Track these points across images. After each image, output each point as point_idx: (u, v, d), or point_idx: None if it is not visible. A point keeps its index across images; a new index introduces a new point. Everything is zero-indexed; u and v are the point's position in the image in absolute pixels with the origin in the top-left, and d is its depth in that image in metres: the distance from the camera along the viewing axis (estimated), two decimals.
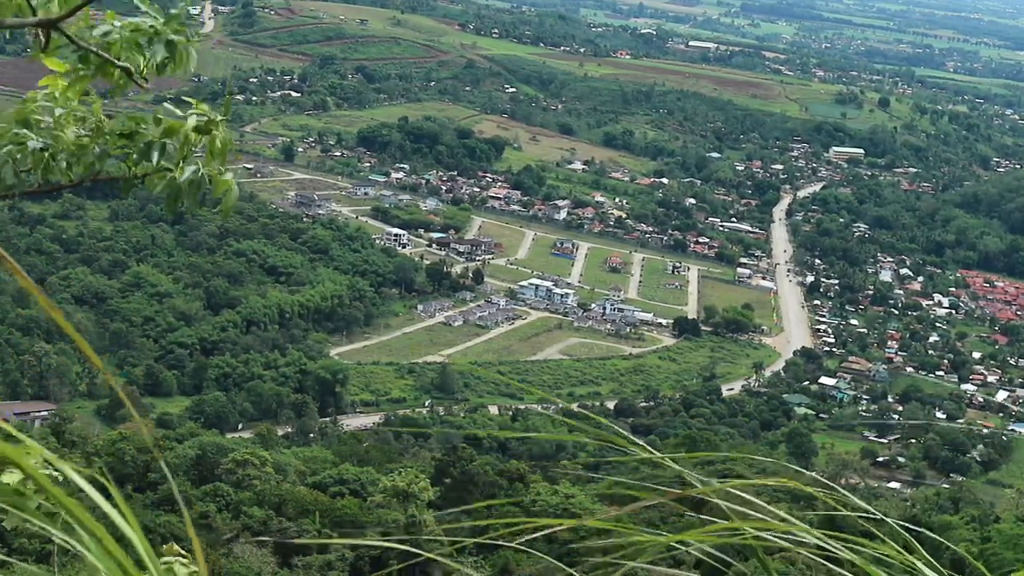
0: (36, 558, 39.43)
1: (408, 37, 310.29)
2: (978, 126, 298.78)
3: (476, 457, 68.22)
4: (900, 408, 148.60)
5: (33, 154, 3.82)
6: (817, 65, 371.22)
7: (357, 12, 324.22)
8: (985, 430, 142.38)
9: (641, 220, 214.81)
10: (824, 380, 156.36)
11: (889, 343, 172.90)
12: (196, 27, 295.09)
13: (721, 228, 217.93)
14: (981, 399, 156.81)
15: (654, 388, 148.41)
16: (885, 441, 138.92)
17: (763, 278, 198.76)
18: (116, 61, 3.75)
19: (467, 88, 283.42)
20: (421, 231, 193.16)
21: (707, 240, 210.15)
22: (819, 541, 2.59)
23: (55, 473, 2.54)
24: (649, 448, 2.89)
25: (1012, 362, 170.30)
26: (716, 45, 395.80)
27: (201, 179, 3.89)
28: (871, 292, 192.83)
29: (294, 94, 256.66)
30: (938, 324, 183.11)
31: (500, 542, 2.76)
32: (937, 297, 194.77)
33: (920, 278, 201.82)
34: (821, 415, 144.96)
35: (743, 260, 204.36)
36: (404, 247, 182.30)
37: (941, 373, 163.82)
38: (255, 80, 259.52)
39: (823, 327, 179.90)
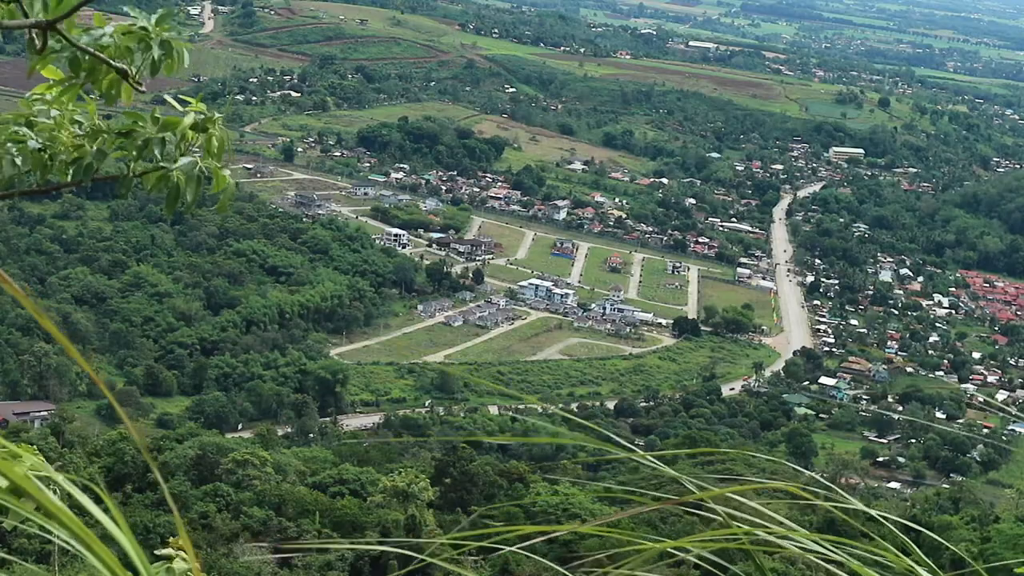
0: (36, 558, 39.44)
1: (408, 37, 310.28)
2: (978, 126, 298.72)
3: (476, 457, 68.27)
4: (900, 408, 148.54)
5: (32, 154, 3.82)
6: (817, 65, 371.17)
7: (357, 12, 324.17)
8: (985, 430, 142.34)
9: (641, 220, 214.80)
10: (824, 380, 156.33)
11: (889, 343, 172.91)
12: (196, 27, 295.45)
13: (721, 228, 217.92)
14: (981, 399, 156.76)
15: (654, 388, 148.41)
16: (885, 441, 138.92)
17: (763, 278, 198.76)
18: (112, 63, 3.75)
19: (467, 88, 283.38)
20: (421, 231, 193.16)
21: (707, 240, 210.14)
22: (816, 545, 2.59)
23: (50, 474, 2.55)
24: (642, 453, 2.96)
25: (1012, 362, 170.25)
26: (716, 45, 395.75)
27: (200, 174, 3.89)
28: (871, 292, 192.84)
29: (294, 94, 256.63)
30: (938, 324, 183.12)
31: (501, 546, 2.78)
32: (937, 297, 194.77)
33: (920, 278, 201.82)
34: (821, 415, 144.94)
35: (743, 260, 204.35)
36: (404, 247, 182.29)
37: (941, 373, 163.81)
38: (255, 80, 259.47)
39: (823, 327, 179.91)
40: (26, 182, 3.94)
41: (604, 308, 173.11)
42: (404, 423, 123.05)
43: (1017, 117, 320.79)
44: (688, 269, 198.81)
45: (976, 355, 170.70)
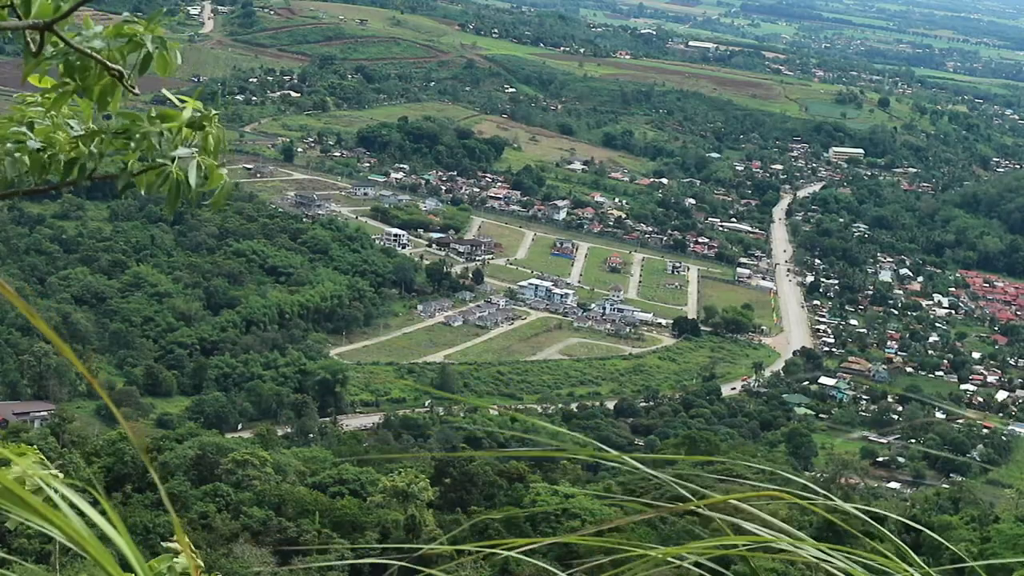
0: (36, 558, 39.44)
1: (408, 37, 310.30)
2: (978, 126, 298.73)
3: (476, 458, 68.22)
4: (900, 408, 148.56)
5: (31, 154, 3.82)
6: (817, 65, 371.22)
7: (357, 12, 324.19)
8: (985, 430, 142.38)
9: (641, 220, 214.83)
10: (824, 380, 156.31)
11: (889, 343, 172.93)
12: (195, 27, 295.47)
13: (721, 228, 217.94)
14: (981, 399, 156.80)
15: (654, 388, 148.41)
16: (885, 441, 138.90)
17: (763, 278, 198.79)
18: (109, 64, 3.74)
19: (467, 88, 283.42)
20: (421, 231, 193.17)
21: (707, 240, 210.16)
22: (812, 551, 2.60)
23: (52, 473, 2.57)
24: (633, 462, 2.97)
25: (1012, 362, 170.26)
26: (716, 45, 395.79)
27: (198, 167, 3.88)
28: (871, 292, 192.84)
29: (294, 94, 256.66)
30: (938, 324, 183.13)
31: (503, 551, 2.78)
32: (937, 297, 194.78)
33: (920, 278, 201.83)
34: (821, 415, 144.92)
35: (743, 260, 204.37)
36: (404, 247, 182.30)
37: (941, 373, 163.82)
38: (255, 80, 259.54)
39: (823, 327, 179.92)
40: (25, 182, 3.94)
41: (604, 308, 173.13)
42: (404, 423, 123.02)
43: (1017, 117, 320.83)
44: (688, 269, 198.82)
45: (976, 355, 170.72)
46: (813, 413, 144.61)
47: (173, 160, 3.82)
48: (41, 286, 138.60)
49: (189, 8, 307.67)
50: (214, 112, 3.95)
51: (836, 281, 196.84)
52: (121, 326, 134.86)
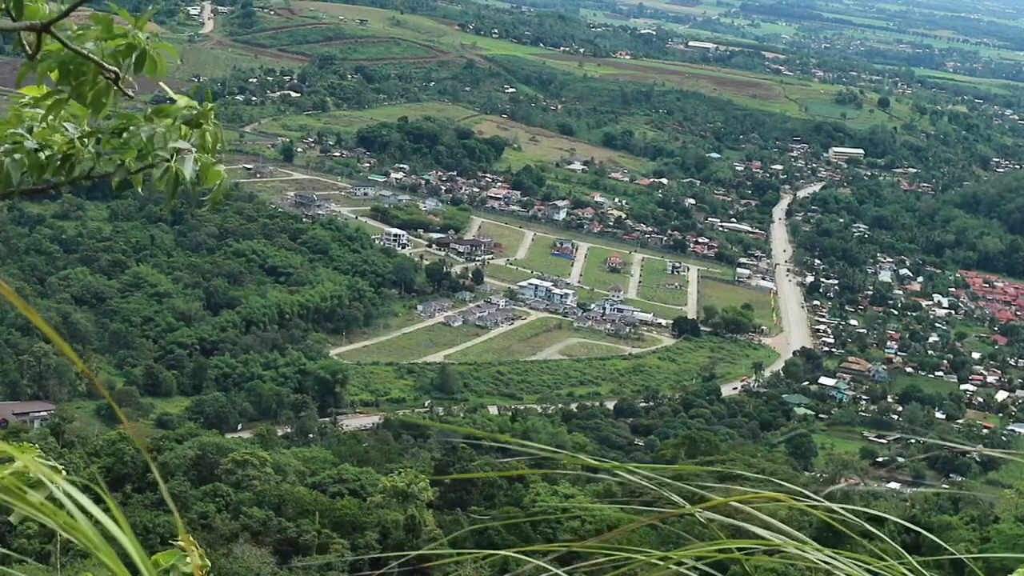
0: (35, 558, 39.42)
1: (408, 37, 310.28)
2: (978, 126, 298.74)
3: (476, 457, 68.26)
4: (900, 408, 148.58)
5: (28, 155, 3.81)
6: (817, 65, 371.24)
7: (357, 12, 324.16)
8: (985, 430, 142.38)
9: (641, 220, 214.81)
10: (824, 380, 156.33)
11: (889, 343, 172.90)
12: (195, 27, 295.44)
13: (721, 228, 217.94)
14: (981, 399, 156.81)
15: (654, 388, 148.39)
16: (885, 441, 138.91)
17: (763, 278, 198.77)
18: (105, 65, 3.73)
19: (467, 88, 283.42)
20: (421, 231, 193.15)
21: (707, 240, 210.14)
22: (809, 554, 2.61)
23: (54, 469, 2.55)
24: (624, 473, 2.98)
25: (1012, 362, 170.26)
26: (716, 45, 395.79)
27: (193, 161, 3.88)
28: (871, 292, 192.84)
29: (294, 94, 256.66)
30: (938, 324, 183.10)
31: (502, 552, 2.80)
32: (937, 297, 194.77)
33: (920, 278, 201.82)
34: (820, 415, 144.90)
35: (743, 260, 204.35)
36: (404, 247, 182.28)
37: (940, 373, 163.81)
38: (255, 80, 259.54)
39: (823, 327, 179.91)
40: (25, 182, 3.94)
41: (604, 308, 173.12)
42: (403, 423, 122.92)
43: (1017, 117, 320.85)
44: (688, 269, 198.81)
45: (976, 355, 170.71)
46: (813, 413, 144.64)
47: (172, 155, 3.83)
48: (41, 286, 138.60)
49: (189, 8, 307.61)
50: (210, 106, 3.95)
51: (836, 281, 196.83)
52: (121, 326, 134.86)
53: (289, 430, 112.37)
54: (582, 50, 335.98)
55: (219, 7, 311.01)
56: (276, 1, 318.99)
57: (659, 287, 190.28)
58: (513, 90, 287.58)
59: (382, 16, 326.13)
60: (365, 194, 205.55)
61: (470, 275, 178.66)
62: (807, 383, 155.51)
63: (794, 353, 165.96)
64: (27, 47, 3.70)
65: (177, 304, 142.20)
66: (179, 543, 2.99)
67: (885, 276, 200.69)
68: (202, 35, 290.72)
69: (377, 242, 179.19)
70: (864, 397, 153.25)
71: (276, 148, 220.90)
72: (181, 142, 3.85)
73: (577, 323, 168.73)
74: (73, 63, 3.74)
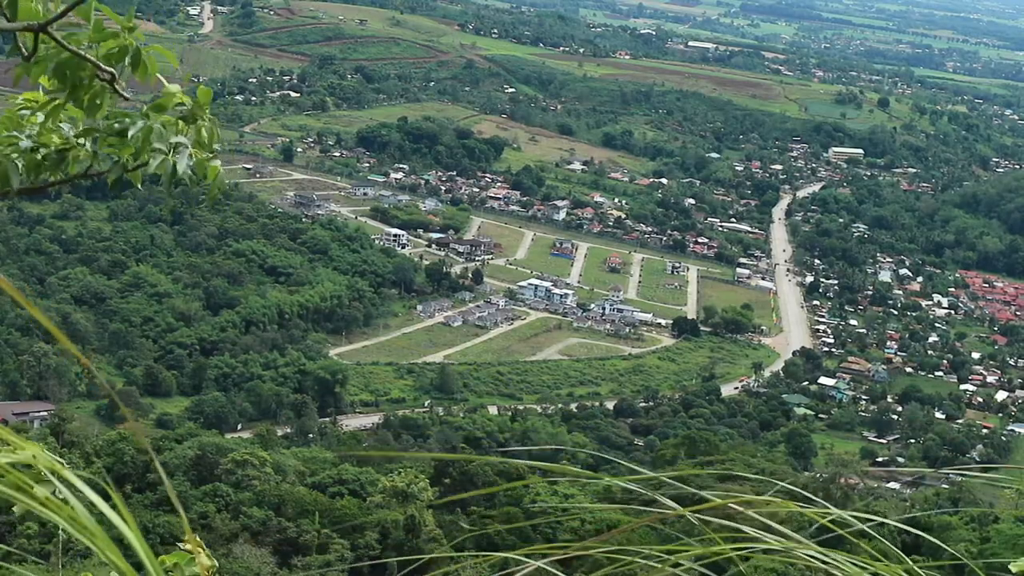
0: (33, 560, 39.36)
1: (407, 37, 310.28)
2: (977, 126, 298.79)
3: (476, 457, 68.23)
4: (899, 408, 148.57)
5: (24, 154, 3.81)
6: (817, 65, 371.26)
7: (356, 12, 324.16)
8: (985, 430, 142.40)
9: (640, 220, 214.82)
10: (823, 380, 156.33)
11: (888, 343, 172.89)
12: (195, 27, 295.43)
13: (720, 228, 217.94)
14: (980, 399, 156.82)
15: (653, 388, 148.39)
16: (884, 441, 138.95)
17: (762, 278, 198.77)
18: (101, 66, 3.73)
19: (466, 88, 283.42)
20: (420, 231, 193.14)
21: (706, 240, 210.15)
22: (807, 555, 2.62)
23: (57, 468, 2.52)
24: (619, 481, 2.99)
25: (1011, 362, 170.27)
26: (715, 45, 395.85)
27: (189, 156, 3.87)
28: (870, 292, 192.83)
29: (293, 94, 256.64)
30: (937, 324, 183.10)
31: (503, 553, 2.69)
32: (936, 297, 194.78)
33: (919, 278, 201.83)
34: (820, 415, 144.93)
35: (742, 260, 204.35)
36: (403, 247, 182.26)
37: (940, 373, 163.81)
38: (254, 80, 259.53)
39: (822, 327, 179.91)
40: (23, 182, 3.94)
41: (603, 308, 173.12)
42: (403, 423, 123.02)
43: (1016, 117, 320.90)
44: (687, 269, 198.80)
45: (975, 355, 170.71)
46: (812, 413, 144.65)
47: (168, 150, 3.82)
48: (41, 286, 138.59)
49: (189, 8, 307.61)
50: (206, 97, 3.94)
51: (836, 281, 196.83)
52: (121, 326, 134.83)
53: (289, 430, 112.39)
54: (582, 50, 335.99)
55: (219, 7, 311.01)
56: (276, 1, 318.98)
57: (659, 287, 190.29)
58: (513, 90, 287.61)
59: (382, 16, 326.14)
60: (365, 194, 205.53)
61: (470, 275, 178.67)
62: (807, 383, 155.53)
63: (794, 353, 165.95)
64: (23, 48, 3.69)
65: (177, 304, 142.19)
66: (186, 545, 3.09)
67: (885, 276, 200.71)
68: (202, 35, 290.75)
69: (377, 242, 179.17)
70: (864, 397, 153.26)
71: (276, 148, 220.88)
72: (178, 137, 3.85)
73: (577, 323, 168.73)
74: (69, 64, 3.73)
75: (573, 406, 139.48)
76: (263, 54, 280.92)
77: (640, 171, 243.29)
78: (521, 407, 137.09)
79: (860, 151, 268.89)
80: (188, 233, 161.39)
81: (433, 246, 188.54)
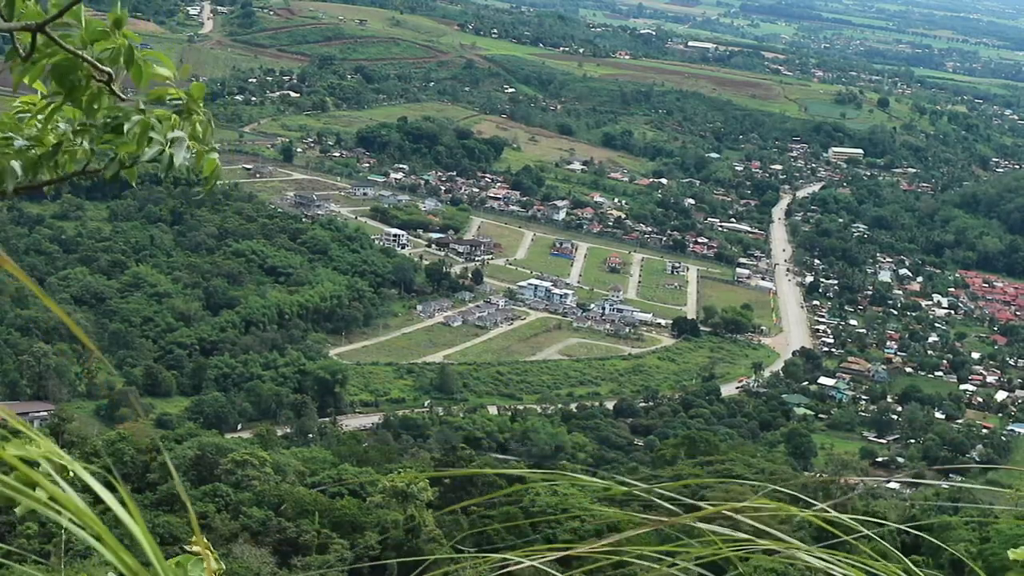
0: (33, 560, 39.31)
1: (407, 37, 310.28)
2: (977, 126, 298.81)
3: (475, 457, 68.32)
4: (899, 408, 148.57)
5: (20, 153, 3.81)
6: (816, 65, 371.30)
7: (356, 12, 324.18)
8: (984, 430, 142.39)
9: (640, 220, 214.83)
10: (823, 380, 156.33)
11: (888, 343, 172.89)
12: (195, 27, 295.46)
13: (720, 228, 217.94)
14: (980, 399, 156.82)
15: (653, 388, 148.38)
16: (884, 441, 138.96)
17: (762, 278, 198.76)
18: (99, 66, 3.73)
19: (466, 88, 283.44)
20: (420, 231, 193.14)
21: (706, 240, 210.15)
22: (806, 556, 2.62)
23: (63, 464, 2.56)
24: (618, 486, 3.00)
25: (1011, 362, 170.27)
26: (715, 45, 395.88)
27: (188, 149, 3.88)
28: (870, 292, 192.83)
29: (293, 94, 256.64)
30: (937, 324, 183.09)
31: (503, 554, 2.79)
32: (936, 297, 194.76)
33: (919, 278, 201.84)
34: (820, 415, 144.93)
35: (742, 260, 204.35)
36: (403, 247, 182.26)
37: (940, 373, 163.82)
38: (254, 80, 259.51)
39: (822, 327, 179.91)
40: (21, 181, 3.94)
41: (603, 308, 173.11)
42: (403, 423, 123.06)
43: (1016, 117, 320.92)
44: (687, 269, 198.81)
45: (975, 355, 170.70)
46: (812, 413, 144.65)
47: (165, 142, 3.82)
48: (40, 286, 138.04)
49: (189, 8, 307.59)
50: (199, 91, 3.94)
51: (836, 281, 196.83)
52: (120, 326, 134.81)
53: (289, 430, 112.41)
54: (582, 50, 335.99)
55: (219, 7, 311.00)
56: (276, 1, 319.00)
57: (659, 287, 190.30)
58: (512, 90, 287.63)
59: (382, 16, 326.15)
60: (364, 194, 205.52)
61: (470, 275, 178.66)
62: (807, 383, 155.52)
63: (794, 353, 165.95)
64: (20, 49, 3.69)
65: (177, 304, 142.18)
66: (194, 546, 3.09)
67: (885, 276, 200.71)
68: (201, 35, 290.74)
69: (376, 242, 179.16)
70: (864, 397, 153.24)
71: (275, 148, 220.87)
72: (174, 132, 3.85)
73: (577, 323, 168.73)
74: (65, 65, 3.73)
75: (573, 406, 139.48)
76: (263, 54, 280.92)
77: (640, 171, 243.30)
78: (521, 407, 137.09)
79: (860, 151, 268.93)
80: (188, 233, 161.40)
81: (433, 246, 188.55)
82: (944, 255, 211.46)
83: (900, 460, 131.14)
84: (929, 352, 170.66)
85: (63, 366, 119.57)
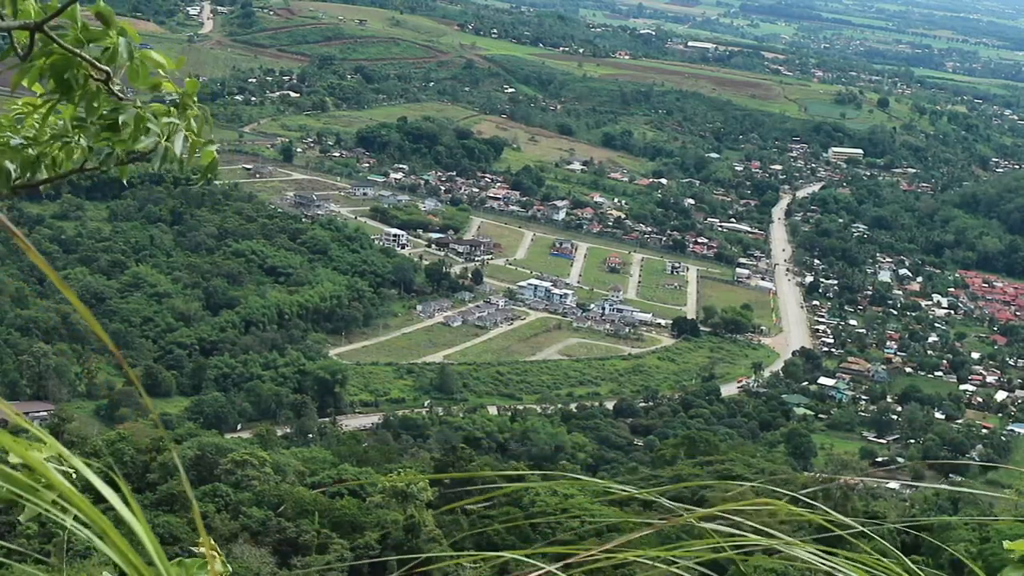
0: (35, 559, 39.36)
1: (407, 37, 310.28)
2: (977, 126, 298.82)
3: (475, 457, 68.30)
4: (899, 408, 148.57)
5: (17, 152, 3.81)
6: (816, 65, 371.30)
7: (356, 12, 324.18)
8: (984, 430, 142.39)
9: (640, 220, 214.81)
10: (823, 380, 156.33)
11: (888, 343, 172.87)
12: (195, 27, 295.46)
13: (720, 228, 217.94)
14: (980, 399, 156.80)
15: (653, 388, 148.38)
16: (884, 441, 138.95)
17: (762, 278, 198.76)
18: (97, 64, 3.73)
19: (466, 88, 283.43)
20: (420, 231, 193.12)
21: (706, 240, 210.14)
22: (805, 554, 2.63)
23: (66, 469, 2.47)
24: (617, 487, 3.01)
25: (1011, 362, 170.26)
26: (715, 45, 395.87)
27: (185, 139, 3.88)
28: (870, 292, 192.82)
29: (293, 94, 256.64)
30: (937, 324, 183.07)
31: (503, 553, 2.80)
32: (936, 297, 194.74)
33: (919, 278, 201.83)
34: (820, 415, 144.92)
35: (742, 260, 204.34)
36: (403, 247, 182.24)
37: (940, 373, 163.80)
38: (254, 80, 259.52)
39: (822, 327, 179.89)
40: (18, 179, 3.93)
41: (603, 308, 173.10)
42: (403, 423, 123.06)
43: (1016, 117, 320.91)
44: (687, 269, 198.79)
45: (975, 355, 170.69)
46: (812, 413, 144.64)
47: (162, 132, 3.82)
48: (41, 286, 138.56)
49: (188, 8, 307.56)
50: (194, 88, 3.94)
51: (835, 281, 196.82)
52: (120, 326, 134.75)
53: (288, 430, 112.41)
54: (581, 50, 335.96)
55: (218, 7, 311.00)
56: (276, 1, 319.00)
57: (658, 287, 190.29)
58: (512, 90, 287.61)
59: (382, 16, 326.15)
60: (364, 194, 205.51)
61: (469, 275, 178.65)
62: (806, 383, 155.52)
63: (793, 353, 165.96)
64: (18, 49, 3.69)
65: (176, 304, 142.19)
66: (201, 549, 3.08)
67: (884, 276, 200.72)
68: (201, 35, 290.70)
69: (376, 242, 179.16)
70: (863, 397, 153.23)
71: (275, 148, 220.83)
72: (171, 118, 3.85)
73: (576, 323, 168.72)
74: (63, 64, 3.72)
75: (573, 406, 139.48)
76: (263, 54, 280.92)
77: (640, 171, 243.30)
78: (521, 407, 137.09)
79: (860, 151, 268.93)
80: (188, 233, 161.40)
81: (433, 246, 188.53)
82: (944, 255, 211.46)
83: (900, 460, 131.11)
84: (929, 352, 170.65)
85: (63, 366, 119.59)
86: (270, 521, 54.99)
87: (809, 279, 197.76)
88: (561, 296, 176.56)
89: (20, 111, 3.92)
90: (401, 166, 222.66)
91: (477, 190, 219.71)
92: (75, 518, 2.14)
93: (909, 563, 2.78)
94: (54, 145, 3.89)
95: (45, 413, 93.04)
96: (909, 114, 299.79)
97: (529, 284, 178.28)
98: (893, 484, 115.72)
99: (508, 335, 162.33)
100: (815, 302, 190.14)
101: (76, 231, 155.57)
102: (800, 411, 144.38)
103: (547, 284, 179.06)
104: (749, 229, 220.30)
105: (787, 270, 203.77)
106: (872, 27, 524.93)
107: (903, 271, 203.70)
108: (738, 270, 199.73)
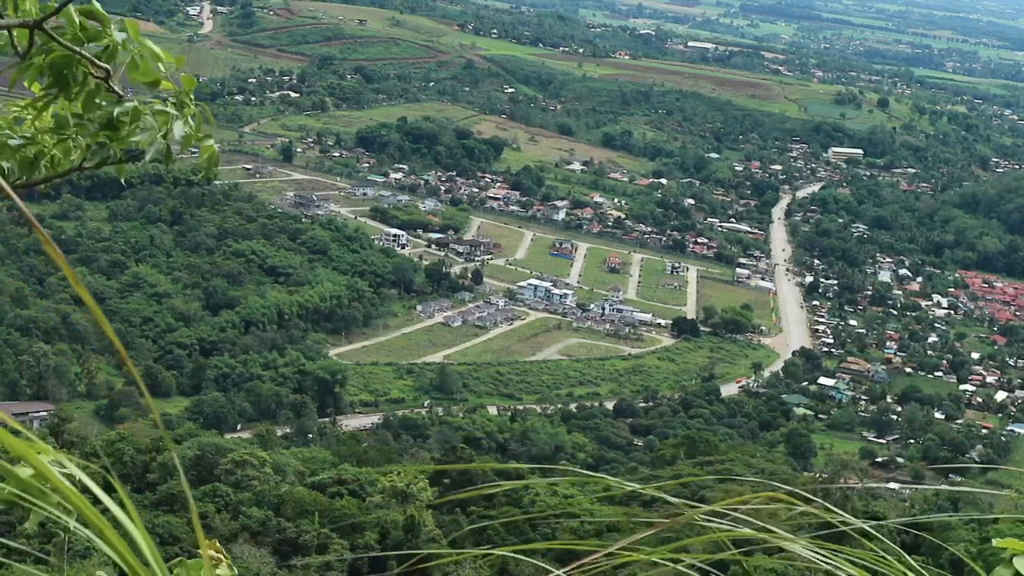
0: (34, 560, 39.34)
1: (407, 37, 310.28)
2: (977, 126, 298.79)
3: (475, 458, 68.27)
4: (899, 408, 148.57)
5: (15, 151, 3.80)
6: (816, 65, 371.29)
7: (356, 12, 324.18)
8: (984, 430, 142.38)
9: (640, 220, 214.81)
10: (823, 380, 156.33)
11: (888, 343, 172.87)
12: (195, 27, 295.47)
13: (720, 228, 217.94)
14: (980, 399, 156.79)
15: (653, 388, 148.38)
16: (884, 441, 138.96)
17: (762, 278, 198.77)
18: (96, 62, 3.72)
19: (466, 88, 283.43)
20: (420, 231, 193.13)
21: (706, 240, 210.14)
22: (806, 552, 2.63)
23: (65, 471, 2.55)
24: (615, 480, 3.01)
25: (1011, 362, 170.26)
26: (715, 45, 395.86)
27: (182, 127, 3.87)
28: (870, 292, 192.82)
29: (293, 94, 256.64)
30: (937, 324, 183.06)
31: (503, 551, 2.81)
32: (936, 297, 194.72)
33: (919, 278, 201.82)
34: (820, 415, 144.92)
35: (742, 260, 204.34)
36: (403, 247, 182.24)
37: (940, 373, 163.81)
38: (254, 80, 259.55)
39: (822, 327, 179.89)
40: (16, 179, 3.93)
41: (603, 308, 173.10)
42: (403, 423, 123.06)
43: (1016, 117, 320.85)
44: (687, 269, 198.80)
45: (975, 355, 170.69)
46: (812, 413, 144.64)
47: (161, 126, 3.82)
48: (40, 286, 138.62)
49: (188, 8, 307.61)
50: (187, 76, 3.94)
51: (835, 281, 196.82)
52: (120, 326, 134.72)
53: (288, 430, 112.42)
54: (581, 50, 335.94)
55: (218, 7, 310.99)
56: (275, 1, 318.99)
57: (658, 287, 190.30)
58: (512, 90, 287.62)
59: (381, 16, 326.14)
60: (364, 194, 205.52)
61: (469, 275, 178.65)
62: (806, 383, 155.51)
63: (793, 353, 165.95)
64: (16, 47, 3.68)
65: (176, 304, 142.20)
66: (208, 551, 3.06)
67: (884, 276, 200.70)
68: (201, 35, 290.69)
69: (376, 242, 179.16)
70: (863, 397, 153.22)
71: (275, 148, 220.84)
72: (166, 106, 3.85)
73: (576, 323, 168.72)
74: (62, 62, 3.72)
75: (573, 406, 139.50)
76: (263, 54, 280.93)
77: (640, 171, 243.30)
78: (521, 407, 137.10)
79: (860, 151, 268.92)
80: (188, 233, 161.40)
81: (433, 246, 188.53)
82: (944, 255, 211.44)
83: (900, 460, 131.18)
84: (929, 352, 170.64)
85: (63, 366, 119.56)
86: (270, 521, 55.00)
87: (809, 279, 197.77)
88: (561, 296, 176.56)
89: (21, 113, 3.91)
90: (401, 166, 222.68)
91: (477, 190, 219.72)
92: (76, 519, 2.19)
93: (910, 560, 2.81)
94: (51, 140, 3.89)
95: (45, 413, 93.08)
96: (909, 114, 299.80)
97: (529, 284, 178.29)
98: (893, 484, 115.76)
99: (508, 335, 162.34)
100: (815, 302, 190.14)
101: (76, 231, 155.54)
102: (800, 411, 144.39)
103: (547, 284, 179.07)
104: (749, 229, 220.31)
105: (787, 270, 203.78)
106: (872, 27, 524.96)
107: (903, 271, 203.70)
108: (738, 270, 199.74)
